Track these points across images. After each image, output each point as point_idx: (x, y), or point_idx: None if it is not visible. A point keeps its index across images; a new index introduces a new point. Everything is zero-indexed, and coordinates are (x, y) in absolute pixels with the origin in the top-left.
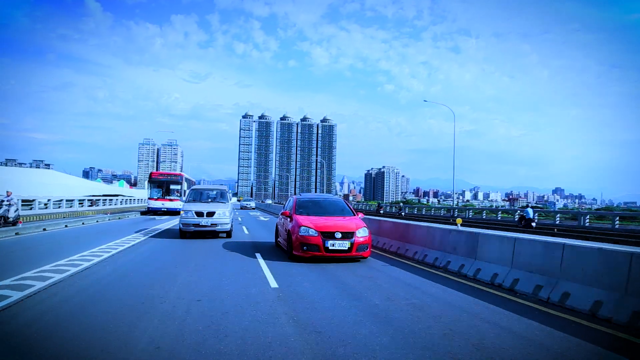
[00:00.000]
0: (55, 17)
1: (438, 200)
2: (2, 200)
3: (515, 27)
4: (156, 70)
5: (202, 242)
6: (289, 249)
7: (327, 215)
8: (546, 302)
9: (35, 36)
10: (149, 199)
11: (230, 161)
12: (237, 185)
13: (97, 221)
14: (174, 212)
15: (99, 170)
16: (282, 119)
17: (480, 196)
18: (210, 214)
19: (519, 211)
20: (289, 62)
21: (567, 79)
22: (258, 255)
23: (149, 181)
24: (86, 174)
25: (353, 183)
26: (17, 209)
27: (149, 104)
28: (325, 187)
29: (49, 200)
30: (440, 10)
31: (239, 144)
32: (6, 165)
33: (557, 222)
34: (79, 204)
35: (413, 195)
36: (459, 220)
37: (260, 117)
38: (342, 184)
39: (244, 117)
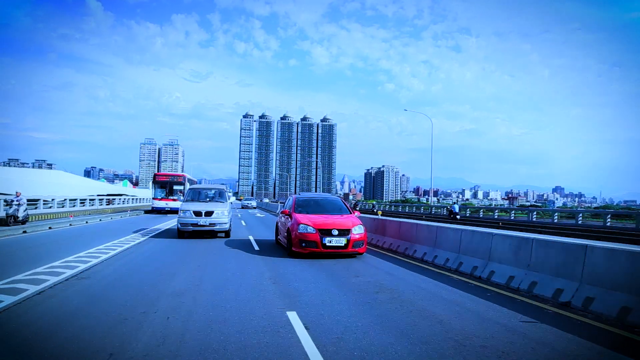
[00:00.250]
0: (56, 16)
1: (437, 199)
2: (12, 200)
3: (516, 26)
4: (157, 69)
5: (205, 235)
6: (289, 245)
7: (325, 214)
8: (478, 279)
9: (36, 36)
10: (153, 198)
11: (231, 160)
12: (238, 185)
13: (111, 218)
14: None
15: (101, 170)
16: (282, 118)
17: (480, 195)
18: (209, 214)
19: (447, 207)
20: (289, 62)
21: (567, 78)
22: (258, 252)
23: (153, 182)
24: (87, 174)
25: (354, 182)
26: (26, 209)
27: (150, 104)
28: (325, 187)
29: (64, 199)
30: (441, 9)
31: (240, 144)
32: (9, 164)
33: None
34: (90, 202)
35: (413, 194)
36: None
37: (260, 117)
38: (342, 183)
39: (244, 116)
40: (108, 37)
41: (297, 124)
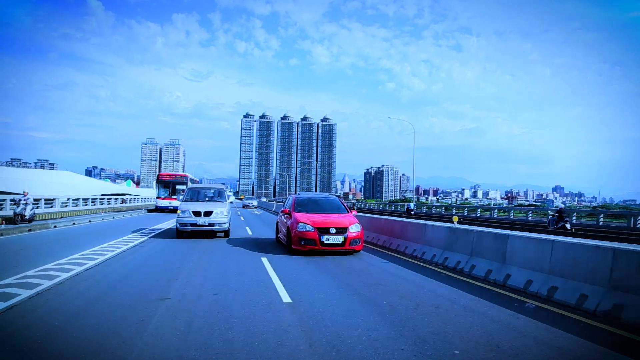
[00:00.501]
0: (57, 16)
1: (437, 198)
2: (20, 200)
3: (516, 25)
4: (158, 69)
5: (205, 235)
6: (288, 243)
7: (323, 213)
8: (454, 270)
9: (37, 35)
10: (157, 197)
11: (232, 159)
12: (239, 184)
13: (112, 217)
14: None
15: (102, 169)
16: (282, 118)
17: (480, 194)
18: (208, 214)
19: (406, 205)
20: (290, 61)
21: (569, 77)
22: (258, 249)
23: (156, 181)
24: (89, 173)
25: (354, 181)
26: (33, 208)
27: (151, 103)
28: (325, 186)
29: (77, 198)
30: (441, 8)
31: (240, 143)
32: (11, 164)
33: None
34: (99, 202)
35: (413, 193)
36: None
37: (261, 117)
38: (343, 182)
39: (245, 116)
40: (109, 37)
41: (298, 123)
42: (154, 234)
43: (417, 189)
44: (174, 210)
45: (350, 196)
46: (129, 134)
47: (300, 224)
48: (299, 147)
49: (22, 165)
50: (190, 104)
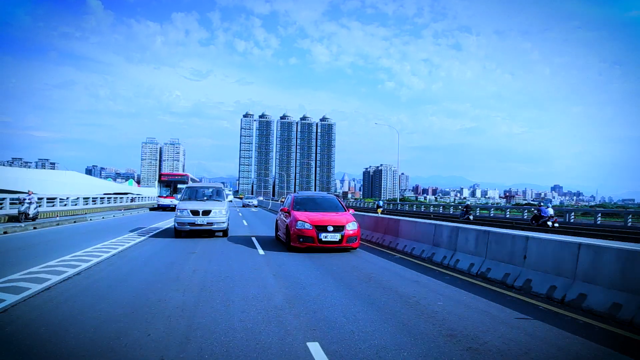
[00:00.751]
0: (56, 15)
1: (435, 197)
2: (24, 199)
3: (516, 24)
4: (157, 68)
5: (203, 235)
6: (287, 240)
7: (321, 211)
8: (446, 267)
9: (37, 34)
10: (159, 196)
11: (232, 158)
12: (238, 183)
13: (122, 214)
14: None
15: (102, 169)
16: (282, 118)
17: (479, 193)
18: (206, 213)
19: (376, 203)
20: (289, 60)
21: (569, 76)
22: (258, 247)
23: (158, 181)
24: (89, 172)
25: (354, 180)
26: (37, 207)
27: (151, 102)
28: (324, 185)
29: (86, 197)
30: (441, 7)
31: (240, 143)
32: (12, 164)
33: None
34: (100, 200)
35: (412, 192)
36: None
37: (260, 117)
38: (342, 181)
39: (244, 116)
40: (108, 36)
41: (297, 123)
42: (157, 230)
43: (417, 188)
44: (174, 208)
45: (349, 195)
46: (128, 133)
47: (299, 222)
48: (298, 147)
49: (24, 165)
50: (189, 103)
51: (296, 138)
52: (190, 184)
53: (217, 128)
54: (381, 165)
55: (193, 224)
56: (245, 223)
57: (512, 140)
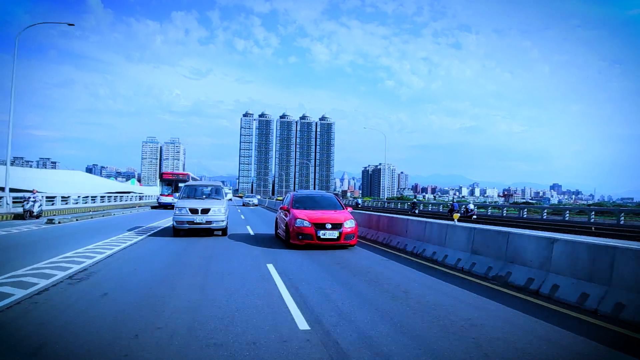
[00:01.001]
0: (56, 13)
1: (434, 196)
2: (29, 197)
3: (516, 23)
4: (157, 67)
5: (201, 234)
6: (287, 238)
7: (320, 209)
8: (435, 261)
9: (37, 33)
10: (160, 195)
11: (231, 157)
12: (238, 182)
13: (130, 212)
14: None
15: (102, 168)
16: (281, 117)
17: (477, 192)
18: (205, 211)
19: (355, 201)
20: (289, 59)
21: (568, 74)
22: (259, 244)
23: (160, 180)
24: (89, 171)
25: (353, 179)
26: (40, 205)
27: (150, 101)
28: (323, 184)
29: (94, 196)
30: (440, 6)
31: (240, 142)
32: (14, 163)
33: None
34: (119, 197)
35: (411, 191)
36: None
37: (260, 116)
38: (342, 180)
39: (244, 115)
40: (108, 35)
41: (296, 122)
42: (158, 229)
43: (416, 186)
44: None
45: (349, 194)
46: (128, 132)
47: (298, 219)
48: (297, 146)
49: (25, 164)
50: (189, 101)
51: (296, 137)
52: (190, 182)
53: (217, 127)
54: (380, 164)
55: (192, 222)
56: (245, 221)
57: (511, 138)
